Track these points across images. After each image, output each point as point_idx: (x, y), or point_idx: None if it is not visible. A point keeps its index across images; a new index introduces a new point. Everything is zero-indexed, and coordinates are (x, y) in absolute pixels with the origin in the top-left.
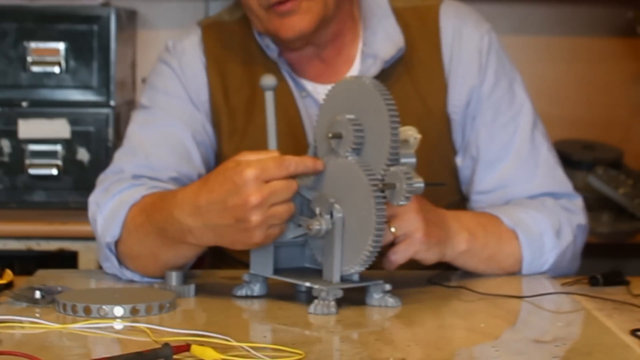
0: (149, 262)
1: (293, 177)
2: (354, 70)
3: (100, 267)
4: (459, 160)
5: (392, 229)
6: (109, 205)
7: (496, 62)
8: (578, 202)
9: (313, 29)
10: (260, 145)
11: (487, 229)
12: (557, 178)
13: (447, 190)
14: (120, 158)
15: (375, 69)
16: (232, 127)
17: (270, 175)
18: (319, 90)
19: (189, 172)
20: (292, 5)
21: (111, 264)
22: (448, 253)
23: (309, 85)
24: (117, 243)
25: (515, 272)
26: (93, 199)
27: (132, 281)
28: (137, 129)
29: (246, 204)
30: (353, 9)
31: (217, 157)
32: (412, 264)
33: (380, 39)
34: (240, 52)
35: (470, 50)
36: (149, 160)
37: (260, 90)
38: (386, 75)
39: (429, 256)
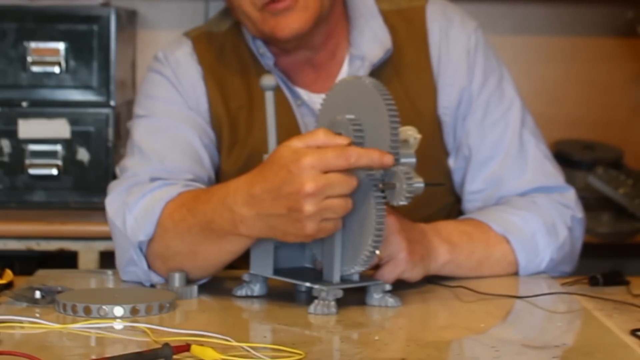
0: (185, 261)
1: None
2: (343, 74)
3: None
4: (451, 162)
5: (377, 252)
6: (140, 204)
7: (484, 61)
8: (570, 194)
9: (310, 27)
10: (259, 156)
11: (473, 237)
12: (546, 172)
13: (441, 192)
14: (133, 166)
15: (363, 71)
16: (234, 138)
17: (328, 165)
18: (314, 100)
19: (201, 174)
20: (290, 2)
21: (137, 268)
22: (432, 267)
23: (304, 93)
24: (148, 243)
25: (512, 274)
26: (115, 200)
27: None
28: (144, 136)
29: (300, 192)
30: (343, 9)
31: (216, 169)
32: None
33: (368, 39)
34: (234, 62)
35: (458, 51)
36: (164, 164)
37: (258, 99)
38: (375, 78)
39: (415, 274)
